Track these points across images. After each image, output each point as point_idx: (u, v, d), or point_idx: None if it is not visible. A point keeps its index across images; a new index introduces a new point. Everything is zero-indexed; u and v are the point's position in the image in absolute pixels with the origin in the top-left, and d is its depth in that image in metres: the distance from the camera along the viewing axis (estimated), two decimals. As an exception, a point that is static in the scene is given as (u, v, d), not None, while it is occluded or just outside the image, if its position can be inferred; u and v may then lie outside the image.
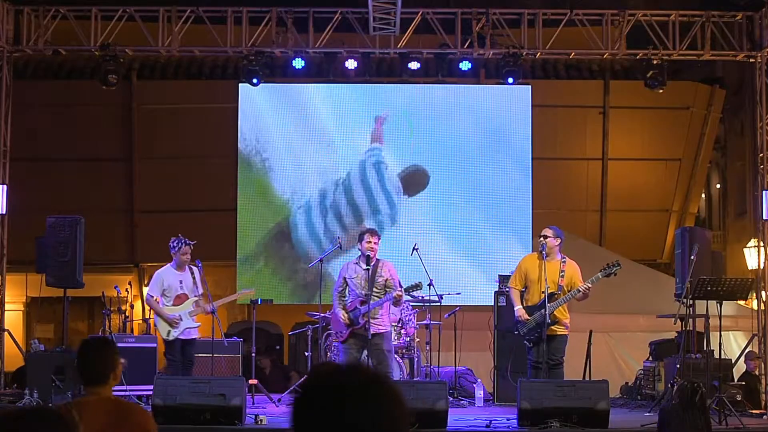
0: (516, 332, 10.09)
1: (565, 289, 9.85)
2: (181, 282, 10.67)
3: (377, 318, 9.70)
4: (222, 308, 16.06)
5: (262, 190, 14.52)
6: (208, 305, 10.71)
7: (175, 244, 10.70)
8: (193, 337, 10.73)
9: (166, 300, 10.62)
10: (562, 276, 9.87)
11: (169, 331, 10.50)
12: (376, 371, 2.11)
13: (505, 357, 11.46)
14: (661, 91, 12.97)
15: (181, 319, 10.57)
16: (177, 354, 10.53)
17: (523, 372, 10.27)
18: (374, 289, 9.68)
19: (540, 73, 17.37)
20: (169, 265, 10.78)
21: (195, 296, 10.70)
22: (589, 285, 9.73)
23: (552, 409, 8.96)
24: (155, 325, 10.92)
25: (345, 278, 9.89)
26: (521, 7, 13.18)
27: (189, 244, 10.68)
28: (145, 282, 17.58)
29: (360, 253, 9.90)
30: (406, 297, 10.09)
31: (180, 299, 10.64)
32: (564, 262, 9.96)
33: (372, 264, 9.71)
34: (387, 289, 9.72)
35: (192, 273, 10.71)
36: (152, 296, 10.72)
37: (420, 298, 10.93)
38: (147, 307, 13.11)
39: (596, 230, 17.64)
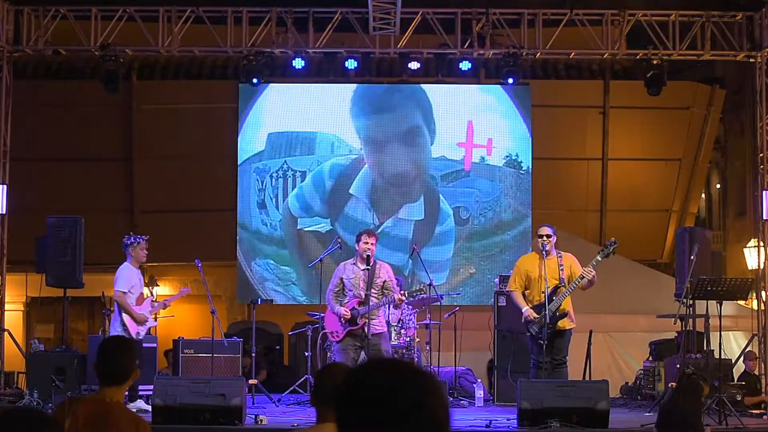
0: (528, 334, 9.99)
1: (567, 280, 9.84)
2: (139, 280, 10.48)
3: (375, 319, 9.71)
4: (222, 308, 16.10)
5: (261, 189, 14.52)
6: (157, 304, 10.55)
7: (132, 240, 10.31)
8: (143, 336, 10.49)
9: (130, 298, 10.23)
10: (562, 269, 9.88)
11: (138, 332, 10.21)
12: (418, 366, 2.11)
13: (505, 357, 11.45)
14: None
15: (147, 319, 10.39)
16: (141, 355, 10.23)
17: (524, 372, 10.24)
18: (372, 290, 9.67)
19: (540, 73, 17.35)
20: (126, 262, 10.35)
21: (149, 295, 10.58)
22: (591, 270, 9.70)
23: (552, 409, 8.95)
24: (111, 324, 10.30)
25: (341, 279, 9.88)
26: (521, 7, 13.17)
27: (146, 240, 10.38)
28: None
29: (356, 253, 9.91)
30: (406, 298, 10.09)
31: (141, 298, 10.38)
32: (560, 256, 9.99)
33: (370, 265, 9.71)
34: (385, 291, 9.72)
35: (141, 270, 10.44)
36: (125, 292, 10.17)
37: (419, 297, 10.91)
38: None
39: (596, 230, 17.61)
